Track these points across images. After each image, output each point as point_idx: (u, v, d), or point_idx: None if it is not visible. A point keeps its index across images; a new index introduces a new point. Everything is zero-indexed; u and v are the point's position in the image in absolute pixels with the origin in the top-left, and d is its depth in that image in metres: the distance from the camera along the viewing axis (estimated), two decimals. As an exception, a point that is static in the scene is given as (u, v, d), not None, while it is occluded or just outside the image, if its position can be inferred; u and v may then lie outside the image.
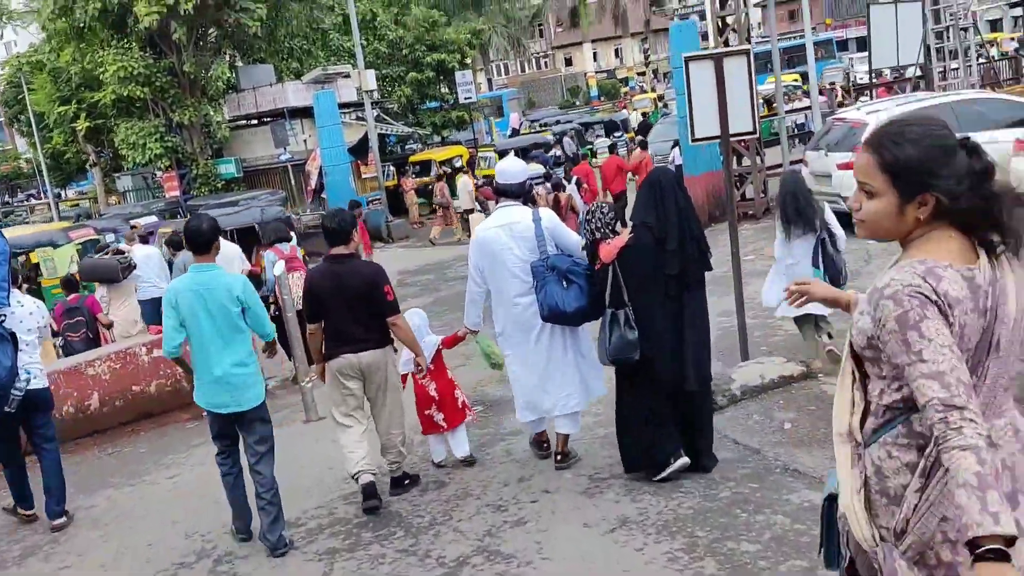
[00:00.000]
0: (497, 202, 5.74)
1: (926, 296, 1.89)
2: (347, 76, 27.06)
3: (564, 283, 5.17)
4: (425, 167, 28.01)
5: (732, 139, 6.96)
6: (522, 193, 5.70)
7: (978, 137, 8.17)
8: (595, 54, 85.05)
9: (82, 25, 24.77)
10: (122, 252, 11.61)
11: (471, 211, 20.85)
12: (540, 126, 38.83)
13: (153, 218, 21.40)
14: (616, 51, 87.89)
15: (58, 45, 26.29)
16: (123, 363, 9.09)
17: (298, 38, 28.67)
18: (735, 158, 15.19)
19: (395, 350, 5.81)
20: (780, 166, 19.77)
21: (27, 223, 30.99)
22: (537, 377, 5.47)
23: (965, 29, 19.20)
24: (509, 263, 5.39)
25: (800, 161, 15.26)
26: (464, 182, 20.48)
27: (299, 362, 8.40)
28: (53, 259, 17.44)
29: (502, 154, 25.84)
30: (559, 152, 25.38)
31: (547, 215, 5.48)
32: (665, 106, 41.70)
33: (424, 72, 32.26)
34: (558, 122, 39.38)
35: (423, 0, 34.93)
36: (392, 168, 28.53)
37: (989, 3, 51.76)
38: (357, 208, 16.95)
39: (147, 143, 24.84)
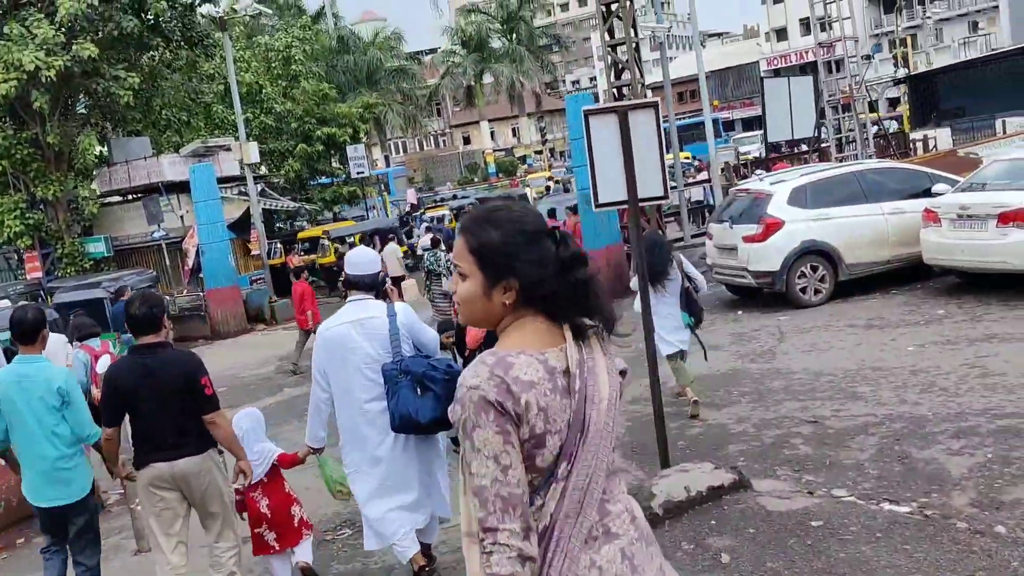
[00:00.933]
0: (346, 296, 5.04)
1: (485, 398, 1.85)
2: (228, 149, 25.69)
3: (419, 389, 4.56)
4: (315, 244, 26.72)
5: (641, 203, 6.00)
6: (375, 286, 5.05)
7: (884, 206, 7.59)
8: (492, 132, 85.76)
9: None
10: None
11: (401, 278, 19.90)
12: (436, 202, 38.10)
13: (5, 302, 19.39)
14: (513, 130, 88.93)
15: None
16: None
17: (176, 108, 27.15)
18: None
19: (220, 452, 5.05)
20: (681, 239, 19.27)
21: None
22: (383, 494, 4.79)
23: (846, 108, 19.33)
24: (360, 363, 4.69)
25: (704, 234, 14.65)
26: (392, 248, 19.97)
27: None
28: None
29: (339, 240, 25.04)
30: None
31: (403, 310, 4.85)
32: (559, 182, 41.81)
33: (314, 146, 31.19)
34: (455, 197, 38.74)
35: (313, 75, 33.95)
36: (279, 245, 27.12)
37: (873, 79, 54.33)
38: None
39: (5, 220, 22.74)
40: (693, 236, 19.42)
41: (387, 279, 12.75)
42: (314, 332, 5.84)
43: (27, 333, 5.04)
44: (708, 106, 18.14)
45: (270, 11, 23.61)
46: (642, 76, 16.42)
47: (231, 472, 5.06)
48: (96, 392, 7.40)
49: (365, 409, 4.72)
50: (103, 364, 7.23)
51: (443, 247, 13.79)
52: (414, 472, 4.77)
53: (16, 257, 26.18)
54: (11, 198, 23.05)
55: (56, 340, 8.24)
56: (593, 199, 6.04)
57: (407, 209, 38.53)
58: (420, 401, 4.50)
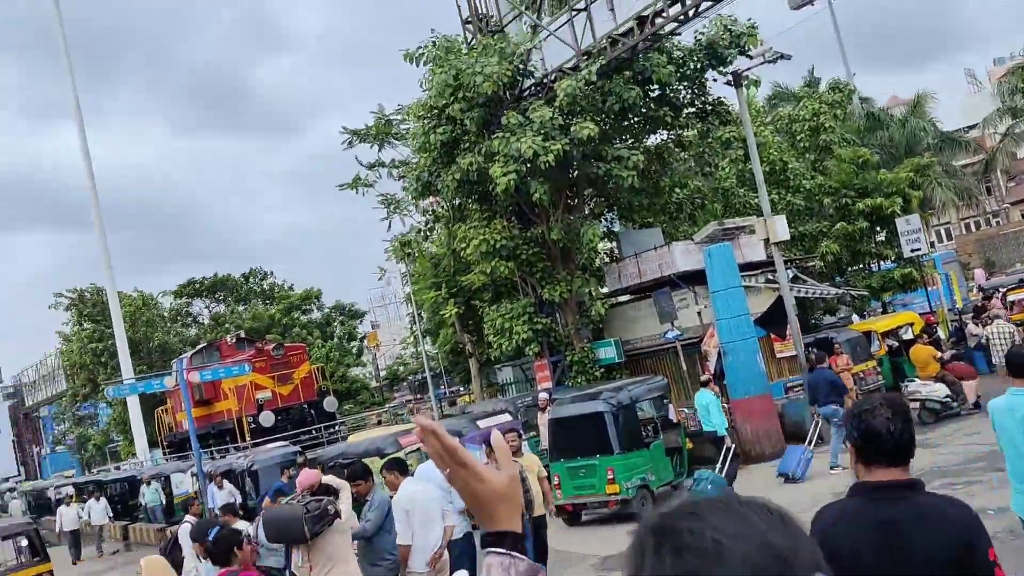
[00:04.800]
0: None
1: None
2: (751, 231, 21.35)
3: None
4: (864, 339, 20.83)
5: None
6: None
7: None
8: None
9: (452, 203, 22.38)
10: (331, 490, 6.66)
11: None
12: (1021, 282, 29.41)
13: (507, 417, 16.94)
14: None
15: (427, 227, 24.21)
16: None
17: (687, 191, 23.70)
18: None
19: None
20: None
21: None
22: None
23: None
24: None
25: None
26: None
27: None
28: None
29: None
30: None
31: None
32: None
33: (855, 223, 25.57)
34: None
35: (847, 142, 28.57)
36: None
37: None
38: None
39: (514, 326, 20.95)
40: None
41: None
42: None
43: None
44: None
45: (791, 55, 19.07)
46: None
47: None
48: None
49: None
50: None
51: None
52: None
53: (530, 367, 24.58)
54: (519, 303, 21.25)
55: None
56: None
57: (976, 293, 30.56)
58: None
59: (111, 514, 24.16)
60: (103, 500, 23.72)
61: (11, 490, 49.12)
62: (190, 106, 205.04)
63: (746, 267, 20.84)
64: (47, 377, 64.80)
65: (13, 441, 72.91)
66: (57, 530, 24.23)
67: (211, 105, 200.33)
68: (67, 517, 23.91)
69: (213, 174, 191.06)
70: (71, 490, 28.56)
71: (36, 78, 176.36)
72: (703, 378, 16.35)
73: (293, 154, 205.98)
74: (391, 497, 7.53)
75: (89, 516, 24.01)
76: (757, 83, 21.26)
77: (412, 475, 8.41)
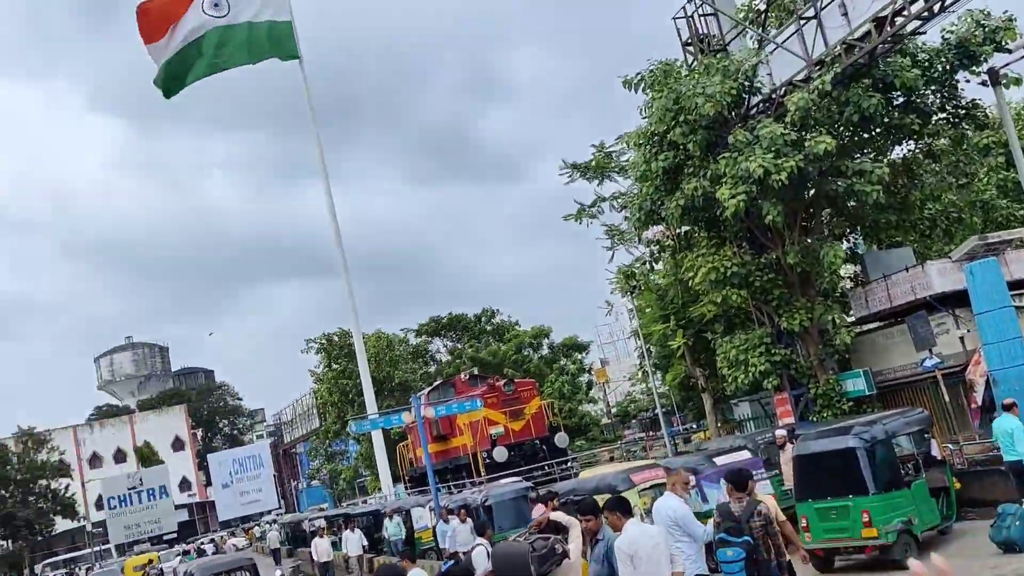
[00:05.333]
0: None
1: None
2: (1019, 245, 19.04)
3: None
4: None
5: None
6: None
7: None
8: None
9: (677, 231, 21.70)
10: (560, 528, 6.27)
11: None
12: None
13: (746, 454, 15.91)
14: None
15: (652, 258, 23.54)
16: None
17: (940, 205, 21.52)
18: None
19: None
20: None
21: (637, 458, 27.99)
22: None
23: None
24: None
25: None
26: None
27: None
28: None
29: None
30: None
31: None
32: None
33: None
34: None
35: None
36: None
37: None
38: None
39: (750, 359, 19.78)
40: None
41: None
42: None
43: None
44: None
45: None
46: None
47: None
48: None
49: None
50: None
51: None
52: None
53: (768, 402, 23.14)
54: (755, 333, 20.07)
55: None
56: None
57: None
58: None
59: (365, 544, 25.16)
60: (358, 532, 24.69)
61: (273, 521, 52.88)
62: (422, 159, 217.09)
63: (1016, 285, 18.52)
64: (302, 416, 69.73)
65: (274, 476, 78.79)
66: (313, 560, 25.49)
67: (441, 157, 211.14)
68: (321, 548, 25.10)
69: (445, 221, 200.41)
70: (323, 522, 30.11)
71: (288, 144, 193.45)
72: (1006, 402, 14.50)
73: (517, 197, 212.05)
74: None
75: (345, 547, 25.06)
76: (1018, 81, 18.99)
77: (639, 516, 7.84)
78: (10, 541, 55.12)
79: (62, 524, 60.76)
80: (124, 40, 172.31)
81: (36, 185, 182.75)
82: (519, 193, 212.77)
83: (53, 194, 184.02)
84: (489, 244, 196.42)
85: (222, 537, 54.64)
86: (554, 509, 11.83)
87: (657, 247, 23.82)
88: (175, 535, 58.95)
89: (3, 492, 53.46)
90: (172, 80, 26.90)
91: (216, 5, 28.01)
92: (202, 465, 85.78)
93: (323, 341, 47.19)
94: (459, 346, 50.17)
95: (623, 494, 12.28)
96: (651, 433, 42.83)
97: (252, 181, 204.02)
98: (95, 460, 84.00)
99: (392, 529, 24.58)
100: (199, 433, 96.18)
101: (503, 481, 22.36)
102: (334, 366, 46.62)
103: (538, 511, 14.17)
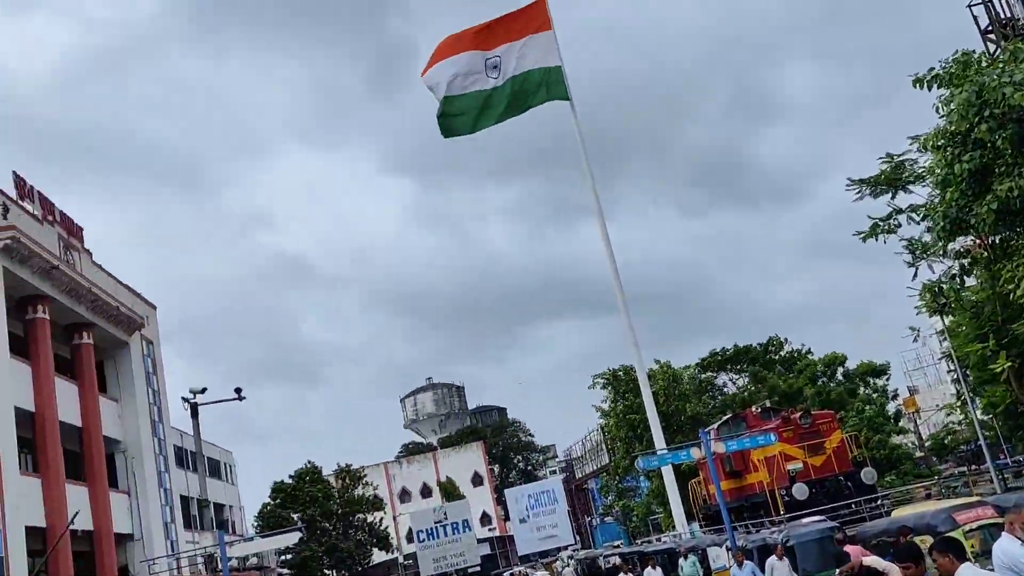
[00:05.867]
0: None
1: None
2: None
3: None
4: None
5: None
6: None
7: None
8: None
9: (991, 240, 19.43)
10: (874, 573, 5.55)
11: None
12: None
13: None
14: None
15: (961, 271, 21.16)
16: None
17: None
18: None
19: None
20: None
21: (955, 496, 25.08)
22: None
23: None
24: None
25: None
26: None
27: None
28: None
29: None
30: None
31: None
32: None
33: None
34: None
35: None
36: None
37: None
38: None
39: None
40: None
41: None
42: None
43: None
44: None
45: None
46: None
47: None
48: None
49: None
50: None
51: None
52: None
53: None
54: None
55: None
56: None
57: None
58: None
59: (663, 582, 24.63)
60: (658, 569, 24.27)
61: (570, 557, 53.58)
62: (692, 189, 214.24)
63: None
64: (592, 451, 70.41)
65: (568, 512, 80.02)
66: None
67: (712, 184, 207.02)
68: (623, 585, 24.89)
69: (720, 250, 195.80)
70: (617, 559, 29.91)
71: (557, 186, 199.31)
72: None
73: (796, 220, 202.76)
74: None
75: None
76: None
77: (970, 560, 6.79)
78: (335, 572, 60.13)
79: (378, 556, 65.51)
80: (407, 105, 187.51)
81: (340, 243, 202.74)
82: (798, 215, 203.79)
83: (354, 250, 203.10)
84: (769, 271, 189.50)
85: (522, 571, 56.17)
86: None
87: (967, 259, 21.45)
88: (479, 568, 61.41)
89: (327, 525, 58.61)
90: (451, 119, 28.31)
91: (495, 68, 29.38)
92: (500, 500, 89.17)
93: (608, 376, 47.41)
94: (746, 379, 48.40)
95: (946, 535, 10.94)
96: (973, 467, 38.54)
97: (526, 224, 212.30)
98: (404, 495, 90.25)
99: (688, 569, 23.83)
100: (495, 469, 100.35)
101: (805, 520, 20.97)
102: (621, 401, 46.64)
103: (855, 554, 13.03)
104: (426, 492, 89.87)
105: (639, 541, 50.08)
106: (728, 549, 20.06)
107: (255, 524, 58.09)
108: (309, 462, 60.67)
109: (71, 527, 25.91)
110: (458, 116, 28.08)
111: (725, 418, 31.79)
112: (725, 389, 49.46)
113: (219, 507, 50.69)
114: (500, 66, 29.44)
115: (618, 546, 50.37)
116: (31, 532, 26.73)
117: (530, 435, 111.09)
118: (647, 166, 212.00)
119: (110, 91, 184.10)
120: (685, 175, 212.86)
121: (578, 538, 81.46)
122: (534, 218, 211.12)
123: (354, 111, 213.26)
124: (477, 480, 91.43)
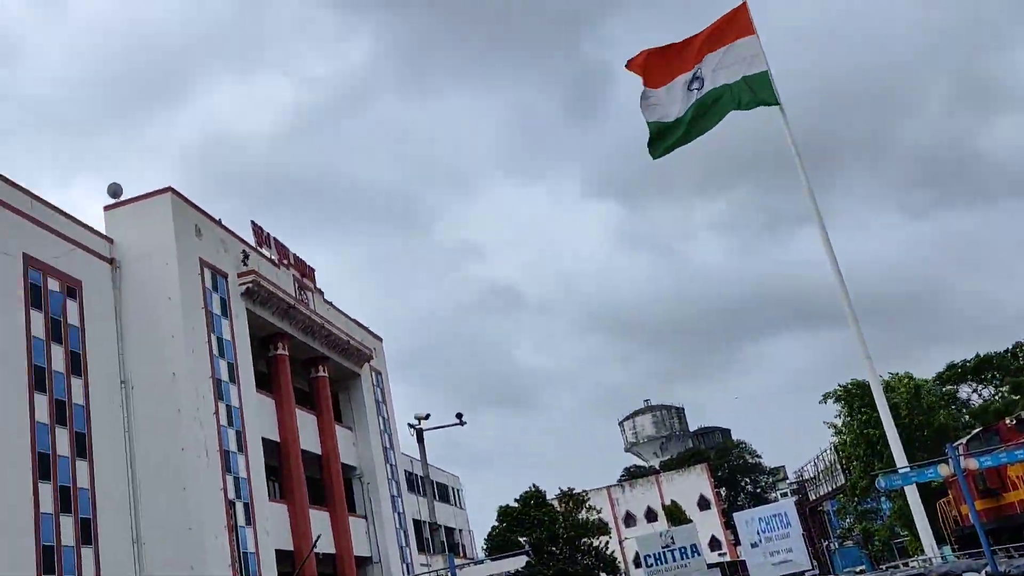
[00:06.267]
0: None
1: None
2: None
3: None
4: None
5: None
6: None
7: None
8: None
9: None
10: None
11: None
12: None
13: None
14: None
15: None
16: None
17: None
18: None
19: None
20: None
21: None
22: None
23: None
24: None
25: None
26: None
27: None
28: None
29: None
30: None
31: None
32: None
33: None
34: None
35: None
36: None
37: None
38: None
39: None
40: None
41: None
42: None
43: None
44: None
45: None
46: None
47: None
48: None
49: None
50: None
51: None
52: None
53: None
54: None
55: None
56: None
57: None
58: None
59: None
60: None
61: (807, 583, 50.83)
62: (917, 188, 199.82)
63: None
64: (825, 472, 66.69)
65: (804, 535, 76.16)
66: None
67: (938, 182, 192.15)
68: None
69: (952, 251, 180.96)
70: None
71: (767, 195, 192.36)
72: None
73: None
74: None
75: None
76: None
77: None
78: (566, 598, 60.29)
79: (606, 580, 65.11)
80: (605, 128, 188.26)
81: (548, 270, 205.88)
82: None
83: (562, 275, 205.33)
84: (1013, 270, 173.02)
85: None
86: None
87: None
88: (711, 594, 59.61)
89: (554, 549, 58.96)
90: (659, 141, 27.91)
91: (697, 78, 28.75)
92: (728, 524, 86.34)
93: (840, 392, 44.73)
94: (991, 390, 44.12)
95: None
96: None
97: (737, 237, 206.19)
98: (629, 519, 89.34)
99: (944, 596, 21.84)
100: (722, 492, 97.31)
101: (1080, 544, 18.64)
102: (857, 416, 43.80)
103: None
104: (651, 516, 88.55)
105: (884, 567, 46.72)
106: (988, 575, 18.20)
107: (484, 547, 59.45)
108: (533, 486, 61.37)
109: (315, 550, 27.45)
110: (665, 138, 27.70)
111: (974, 432, 29.03)
112: (969, 403, 45.36)
113: (449, 531, 52.31)
114: (702, 77, 28.79)
115: (861, 572, 47.24)
116: (280, 555, 28.59)
117: (757, 456, 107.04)
118: (862, 169, 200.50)
119: (329, 141, 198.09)
120: (906, 175, 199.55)
121: (815, 563, 77.33)
122: (746, 230, 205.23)
123: (554, 138, 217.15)
124: (703, 503, 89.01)
